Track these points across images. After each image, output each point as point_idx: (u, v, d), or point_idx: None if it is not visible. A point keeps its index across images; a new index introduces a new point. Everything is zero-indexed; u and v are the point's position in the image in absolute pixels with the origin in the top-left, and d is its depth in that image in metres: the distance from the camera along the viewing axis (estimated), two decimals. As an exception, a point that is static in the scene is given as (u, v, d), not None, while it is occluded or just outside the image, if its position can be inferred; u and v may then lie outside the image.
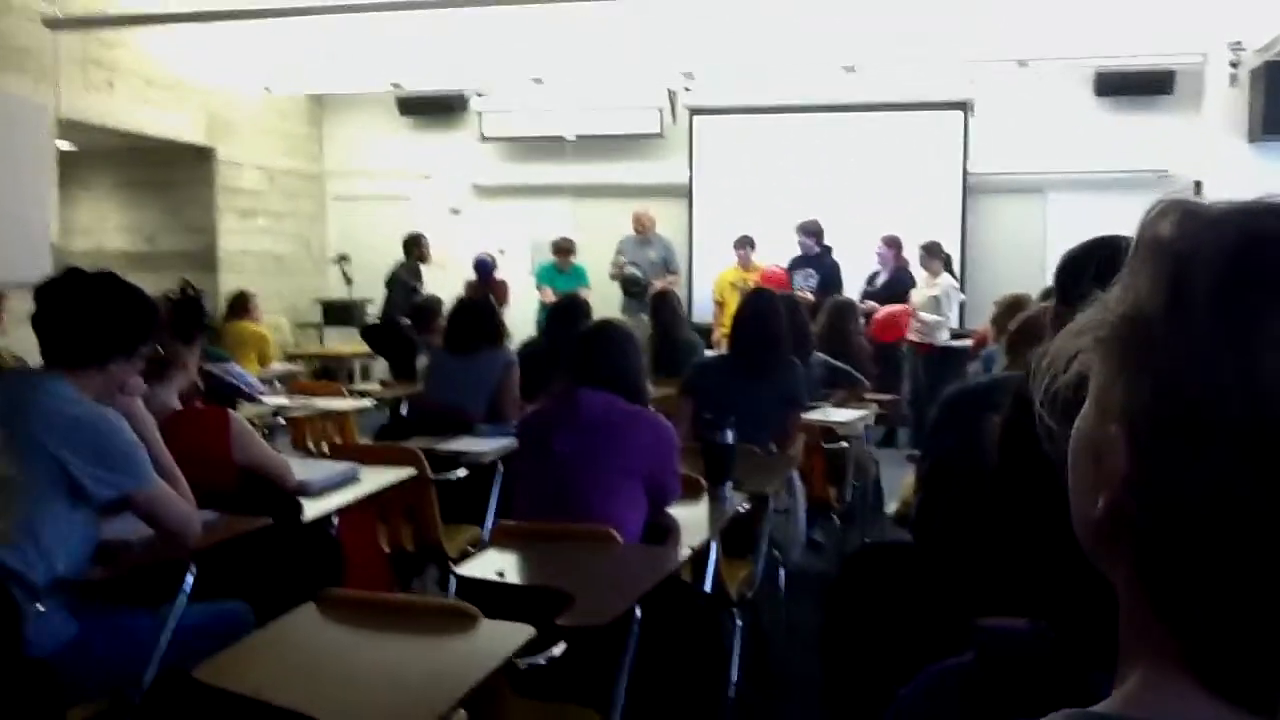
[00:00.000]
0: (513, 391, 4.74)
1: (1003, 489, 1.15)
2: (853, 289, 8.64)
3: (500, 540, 2.69)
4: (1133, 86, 9.30)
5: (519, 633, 1.89)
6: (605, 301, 8.66)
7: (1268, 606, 0.51)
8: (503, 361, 4.82)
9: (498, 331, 5.00)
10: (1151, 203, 0.60)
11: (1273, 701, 0.52)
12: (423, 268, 9.24)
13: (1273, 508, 0.50)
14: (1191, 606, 0.52)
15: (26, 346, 2.58)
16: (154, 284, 3.39)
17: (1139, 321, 0.55)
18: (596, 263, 10.01)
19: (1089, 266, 1.67)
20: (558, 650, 1.98)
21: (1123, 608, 0.58)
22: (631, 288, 9.31)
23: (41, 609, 2.29)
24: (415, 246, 9.30)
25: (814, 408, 4.81)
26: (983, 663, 0.82)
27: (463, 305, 5.14)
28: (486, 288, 8.48)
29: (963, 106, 9.66)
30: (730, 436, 3.25)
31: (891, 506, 4.48)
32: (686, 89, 10.24)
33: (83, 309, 2.50)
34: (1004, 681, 0.59)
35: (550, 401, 3.06)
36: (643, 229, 9.53)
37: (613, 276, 9.50)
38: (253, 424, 4.21)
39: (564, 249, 9.56)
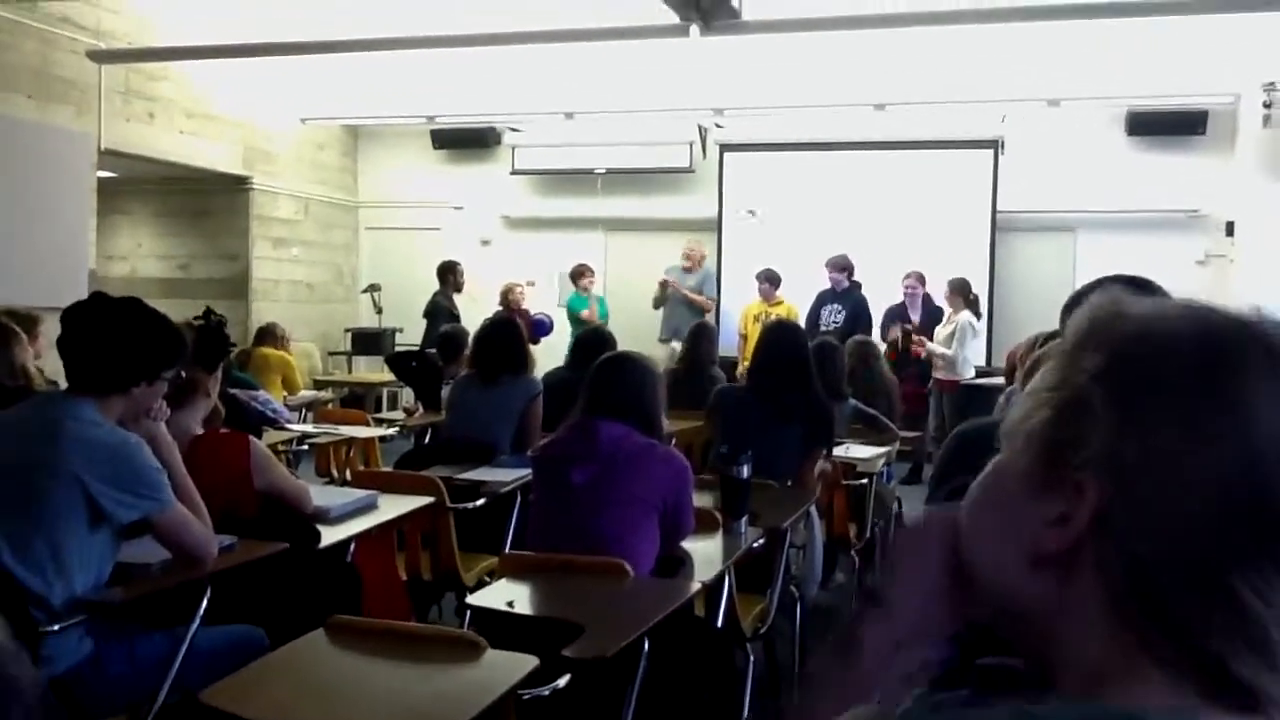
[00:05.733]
0: (537, 421, 4.70)
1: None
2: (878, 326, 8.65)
3: (511, 570, 2.70)
4: (1165, 126, 9.24)
5: (524, 663, 1.91)
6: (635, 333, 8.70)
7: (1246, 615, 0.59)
8: (528, 391, 4.75)
9: (523, 358, 4.90)
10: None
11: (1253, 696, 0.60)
12: (456, 297, 9.32)
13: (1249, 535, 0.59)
14: (1181, 616, 0.60)
15: (61, 369, 2.63)
16: (187, 311, 3.45)
17: (1110, 385, 0.64)
18: (626, 295, 10.07)
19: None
20: (562, 682, 1.99)
21: (1073, 624, 0.65)
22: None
23: (57, 628, 2.33)
24: (450, 274, 9.34)
25: (837, 444, 4.80)
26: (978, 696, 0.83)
27: (487, 331, 5.01)
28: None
29: (993, 145, 9.64)
30: (746, 471, 3.25)
31: (913, 544, 4.44)
32: (717, 125, 10.31)
33: (108, 334, 2.55)
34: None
35: (567, 432, 3.07)
36: (690, 262, 9.61)
37: (655, 304, 9.60)
38: (277, 451, 4.27)
39: (578, 274, 9.64)
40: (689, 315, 8.92)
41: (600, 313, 9.43)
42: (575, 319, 9.33)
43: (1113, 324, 0.67)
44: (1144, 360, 0.63)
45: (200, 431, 3.01)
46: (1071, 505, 0.63)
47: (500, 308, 8.69)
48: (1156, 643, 0.61)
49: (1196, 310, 0.66)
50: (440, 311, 8.96)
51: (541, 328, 9.12)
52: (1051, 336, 3.25)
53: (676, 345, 7.91)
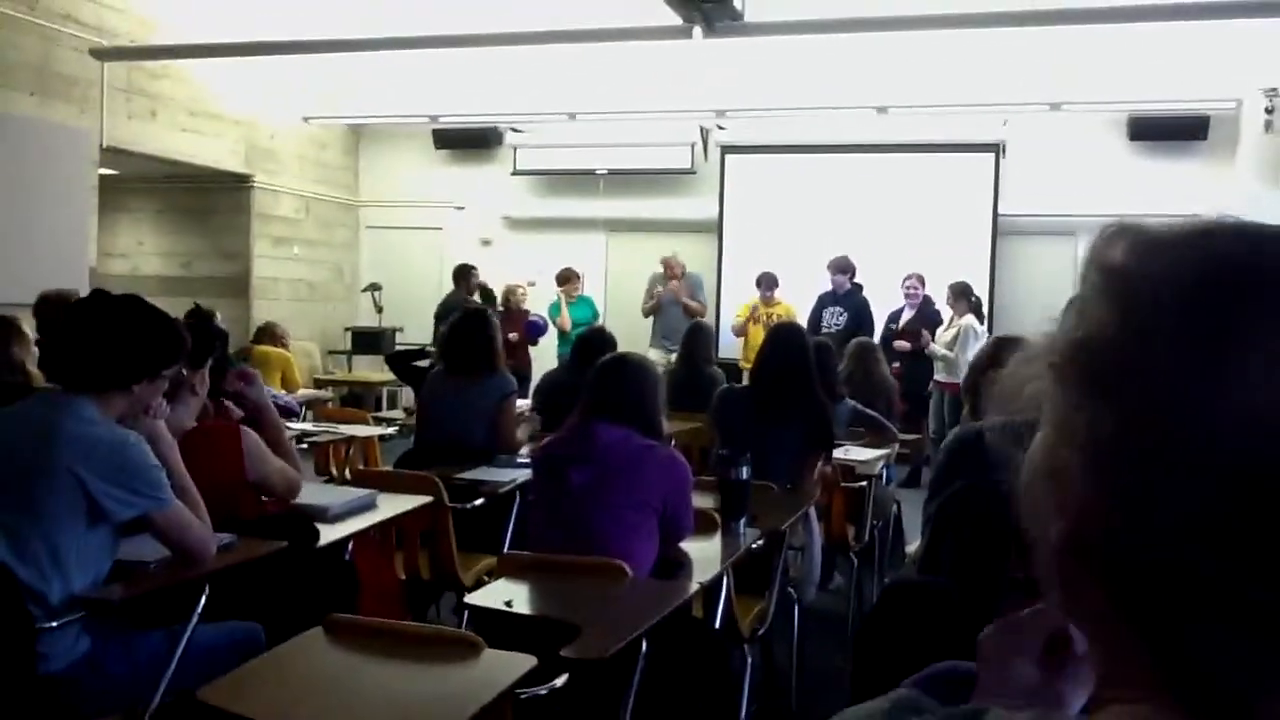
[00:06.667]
0: (510, 421, 4.63)
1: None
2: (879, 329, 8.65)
3: (510, 571, 2.70)
4: (1166, 131, 9.25)
5: (521, 663, 1.90)
6: (635, 335, 8.70)
7: (1265, 629, 0.48)
8: (500, 389, 4.66)
9: (494, 356, 4.75)
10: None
11: None
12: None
13: (1260, 527, 0.48)
14: (1182, 633, 0.50)
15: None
16: (187, 309, 3.45)
17: (1097, 348, 0.54)
18: (627, 297, 10.08)
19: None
20: (559, 682, 1.99)
21: (1093, 634, 0.57)
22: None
23: (55, 626, 2.33)
24: (464, 278, 9.28)
25: (836, 446, 4.80)
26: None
27: (459, 324, 4.87)
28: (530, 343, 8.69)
29: (994, 148, 9.65)
30: (745, 472, 3.25)
31: (912, 546, 4.45)
32: (719, 127, 10.31)
33: (109, 331, 2.55)
34: None
35: (567, 433, 3.07)
36: (671, 273, 9.57)
37: (645, 313, 9.56)
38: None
39: (564, 279, 9.62)
40: (683, 321, 8.88)
41: (581, 316, 9.37)
42: (554, 324, 9.37)
43: (1089, 268, 0.57)
44: (1129, 297, 0.54)
45: (192, 425, 3.00)
46: (1066, 491, 0.54)
47: (502, 309, 8.68)
48: (1150, 669, 0.51)
49: (1189, 236, 0.56)
50: (454, 313, 8.90)
51: (535, 328, 9.12)
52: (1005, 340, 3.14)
53: (672, 354, 7.81)
